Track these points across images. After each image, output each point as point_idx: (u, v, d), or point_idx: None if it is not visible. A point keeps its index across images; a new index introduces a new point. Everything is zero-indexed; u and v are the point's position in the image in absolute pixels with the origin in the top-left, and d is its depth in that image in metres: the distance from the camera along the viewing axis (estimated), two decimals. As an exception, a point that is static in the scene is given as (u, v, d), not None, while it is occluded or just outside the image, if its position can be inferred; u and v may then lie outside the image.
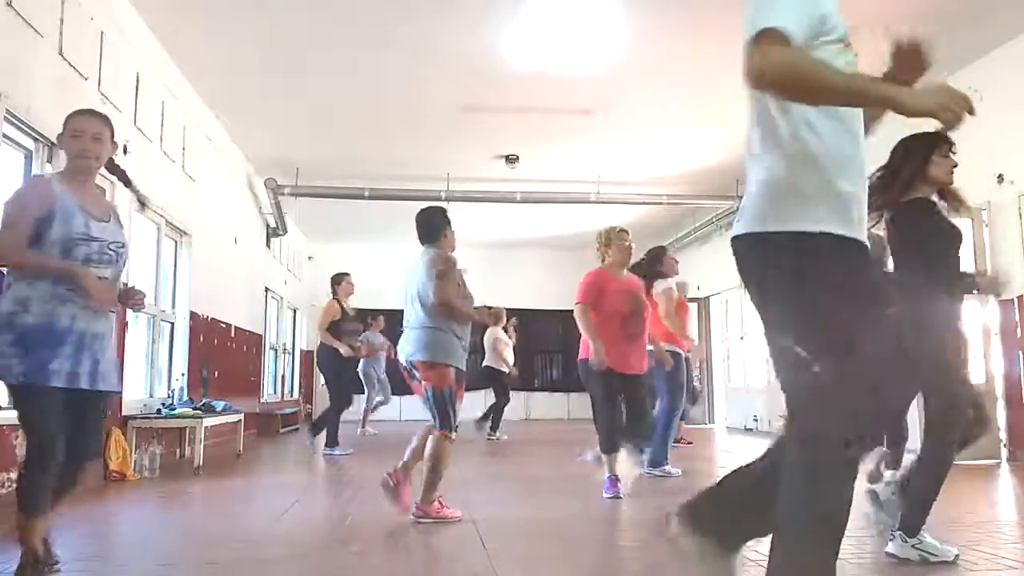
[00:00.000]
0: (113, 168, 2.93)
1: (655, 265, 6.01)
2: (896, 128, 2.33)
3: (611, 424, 4.70)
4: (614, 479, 4.62)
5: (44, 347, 2.53)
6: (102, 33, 5.51)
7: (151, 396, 6.70)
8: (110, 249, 2.71)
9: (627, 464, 4.83)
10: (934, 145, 3.01)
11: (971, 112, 1.49)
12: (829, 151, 1.75)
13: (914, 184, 3.01)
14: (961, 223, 3.29)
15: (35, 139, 4.77)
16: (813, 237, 1.71)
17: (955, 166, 3.04)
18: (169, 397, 6.92)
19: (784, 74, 1.50)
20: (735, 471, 1.94)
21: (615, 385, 4.71)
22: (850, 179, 1.78)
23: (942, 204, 3.07)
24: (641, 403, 4.83)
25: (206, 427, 6.35)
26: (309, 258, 14.59)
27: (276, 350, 12.25)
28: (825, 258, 1.72)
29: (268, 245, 11.42)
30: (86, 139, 2.71)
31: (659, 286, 5.85)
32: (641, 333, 4.84)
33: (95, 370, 2.63)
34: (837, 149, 1.76)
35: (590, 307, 4.74)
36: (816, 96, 1.57)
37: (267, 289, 11.41)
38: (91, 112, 2.89)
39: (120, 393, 2.77)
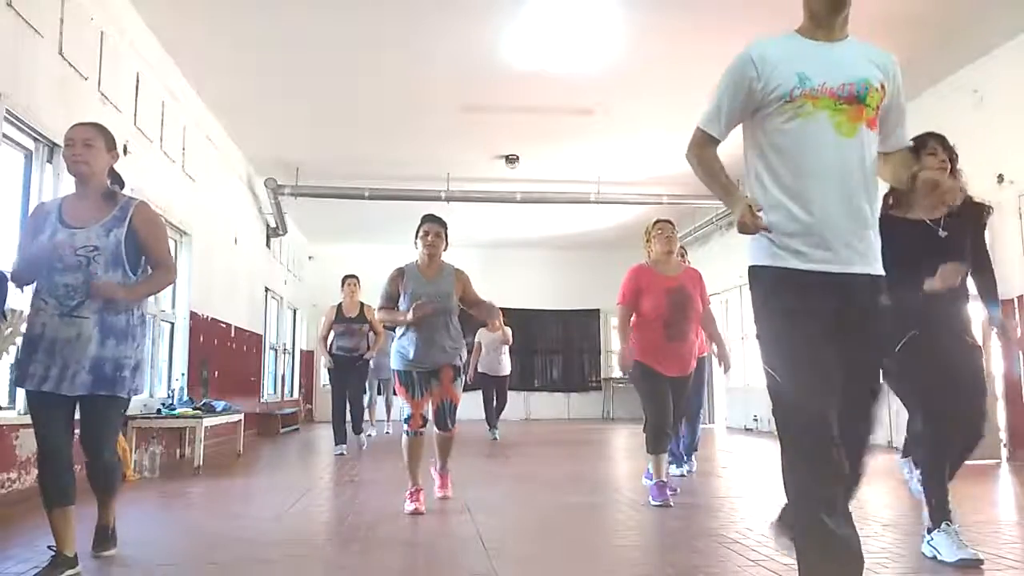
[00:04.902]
0: (115, 177, 2.99)
1: None
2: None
3: (657, 426, 4.42)
4: (661, 485, 4.33)
5: (27, 353, 2.71)
6: (102, 33, 5.51)
7: (151, 396, 6.70)
8: (77, 255, 2.73)
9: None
10: (920, 146, 2.88)
11: (754, 230, 1.99)
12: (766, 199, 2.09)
13: (910, 190, 2.96)
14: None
15: (35, 139, 4.77)
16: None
17: (943, 163, 2.93)
18: (169, 397, 6.93)
19: (691, 165, 2.34)
20: None
21: (661, 386, 4.42)
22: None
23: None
24: (684, 406, 4.52)
25: (206, 427, 6.36)
26: (309, 258, 14.59)
27: (276, 350, 12.26)
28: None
29: (268, 245, 11.42)
30: (76, 146, 2.83)
31: None
32: (686, 333, 4.46)
33: (63, 375, 2.69)
34: (779, 193, 2.08)
35: (630, 308, 4.48)
36: (703, 182, 2.32)
37: (267, 289, 11.41)
38: (82, 122, 2.97)
39: (115, 396, 2.79)
